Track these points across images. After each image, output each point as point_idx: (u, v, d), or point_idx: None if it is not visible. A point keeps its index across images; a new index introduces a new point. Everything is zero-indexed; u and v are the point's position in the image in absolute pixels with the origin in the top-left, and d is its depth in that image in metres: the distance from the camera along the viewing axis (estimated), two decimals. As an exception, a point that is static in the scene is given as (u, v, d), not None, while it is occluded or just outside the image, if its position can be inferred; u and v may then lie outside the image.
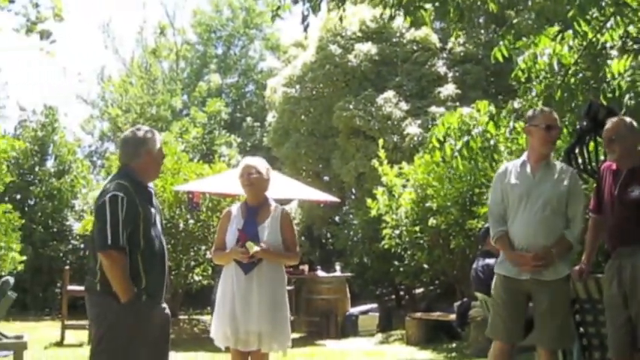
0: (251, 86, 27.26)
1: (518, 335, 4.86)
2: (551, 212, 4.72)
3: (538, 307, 4.74)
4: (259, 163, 5.16)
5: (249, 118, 23.23)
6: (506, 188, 4.86)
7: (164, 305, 4.34)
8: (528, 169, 4.85)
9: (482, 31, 15.56)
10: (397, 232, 10.98)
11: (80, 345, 10.16)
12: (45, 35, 17.34)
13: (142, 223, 4.13)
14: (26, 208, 15.16)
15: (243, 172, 5.10)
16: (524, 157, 4.98)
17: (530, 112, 5.09)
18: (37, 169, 16.24)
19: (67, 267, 11.69)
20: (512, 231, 4.81)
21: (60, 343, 10.29)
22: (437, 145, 6.94)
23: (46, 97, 39.68)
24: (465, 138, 6.82)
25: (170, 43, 28.19)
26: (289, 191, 11.52)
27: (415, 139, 13.25)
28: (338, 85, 15.10)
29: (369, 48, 14.89)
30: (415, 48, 15.06)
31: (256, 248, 4.85)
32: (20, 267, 9.86)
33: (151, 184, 4.45)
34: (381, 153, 11.42)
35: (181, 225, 11.86)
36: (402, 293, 15.04)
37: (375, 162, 11.55)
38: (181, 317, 13.36)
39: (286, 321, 5.06)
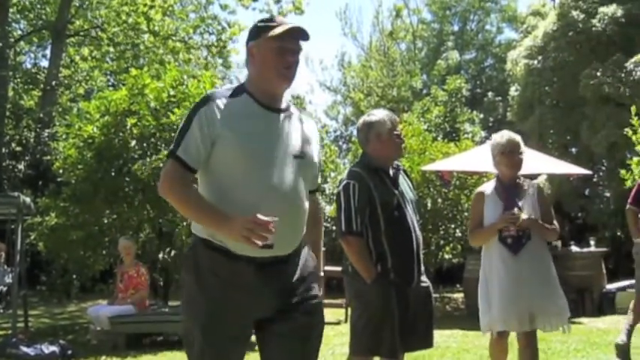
0: (490, 60, 26.96)
1: None
2: None
3: None
4: (520, 139, 4.93)
5: (490, 93, 23.00)
6: None
7: (424, 280, 4.41)
8: None
9: None
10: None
11: (338, 323, 10.70)
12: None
13: (379, 207, 4.21)
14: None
15: (511, 148, 4.87)
16: None
17: None
18: (289, 156, 17.11)
19: (324, 249, 12.26)
20: None
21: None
22: None
23: (293, 87, 41.84)
24: None
25: (406, 24, 28.47)
26: (537, 166, 11.24)
27: (674, 102, 12.35)
28: (583, 52, 14.49)
29: (614, 10, 14.08)
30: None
31: (524, 216, 4.76)
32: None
33: (400, 166, 4.48)
34: (634, 121, 10.76)
35: (429, 204, 12.01)
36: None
37: (628, 130, 10.94)
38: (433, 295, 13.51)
39: (562, 296, 4.85)
